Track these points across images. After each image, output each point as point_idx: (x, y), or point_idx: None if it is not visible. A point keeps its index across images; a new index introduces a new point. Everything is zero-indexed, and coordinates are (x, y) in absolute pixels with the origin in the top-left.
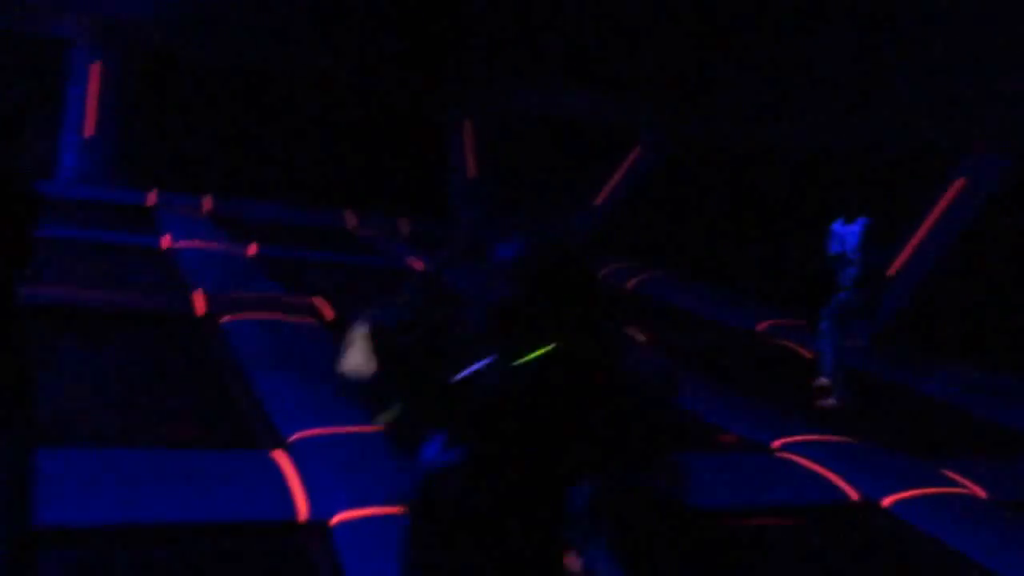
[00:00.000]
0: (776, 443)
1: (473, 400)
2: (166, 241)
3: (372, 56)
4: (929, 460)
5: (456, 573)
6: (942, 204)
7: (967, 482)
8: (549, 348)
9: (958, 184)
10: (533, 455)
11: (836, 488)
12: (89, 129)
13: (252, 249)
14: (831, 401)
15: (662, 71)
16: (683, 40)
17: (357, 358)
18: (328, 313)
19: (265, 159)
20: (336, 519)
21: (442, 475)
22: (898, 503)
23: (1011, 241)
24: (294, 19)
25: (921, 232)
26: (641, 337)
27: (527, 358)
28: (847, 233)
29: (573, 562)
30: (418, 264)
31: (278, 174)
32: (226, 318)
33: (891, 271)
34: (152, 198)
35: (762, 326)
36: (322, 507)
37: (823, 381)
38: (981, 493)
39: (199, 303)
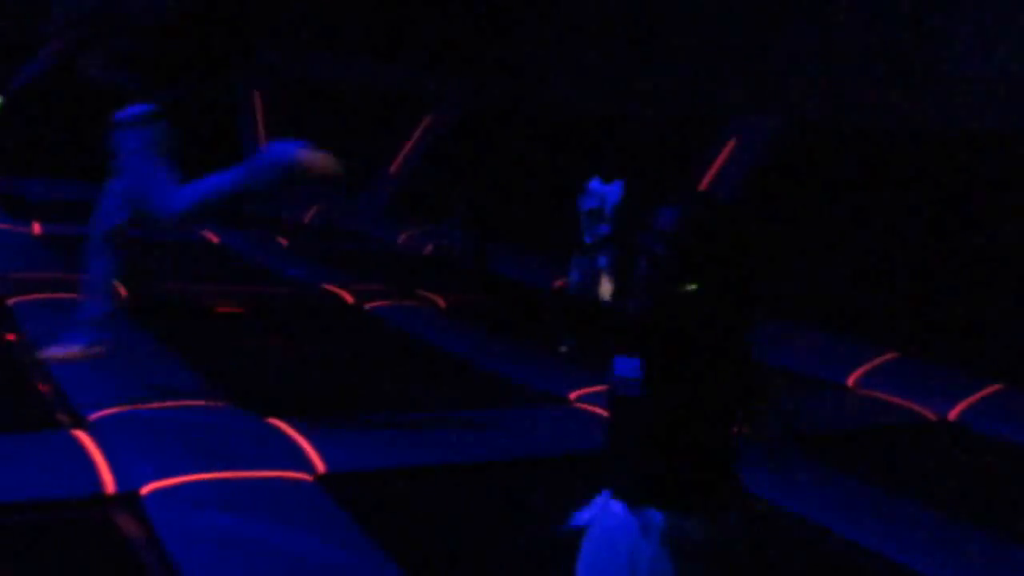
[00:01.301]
0: (574, 394)
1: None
2: None
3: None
4: None
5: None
6: (716, 164)
7: None
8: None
9: (730, 144)
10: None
11: None
12: None
13: (36, 228)
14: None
15: (451, 39)
16: (466, 9)
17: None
18: (118, 291)
19: (45, 137)
20: (145, 490)
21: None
22: None
23: (781, 200)
24: None
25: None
26: (443, 303)
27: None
28: (607, 191)
29: None
30: (213, 237)
31: (59, 151)
32: (14, 300)
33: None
34: None
35: (560, 283)
36: (129, 480)
37: (564, 348)
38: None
39: None
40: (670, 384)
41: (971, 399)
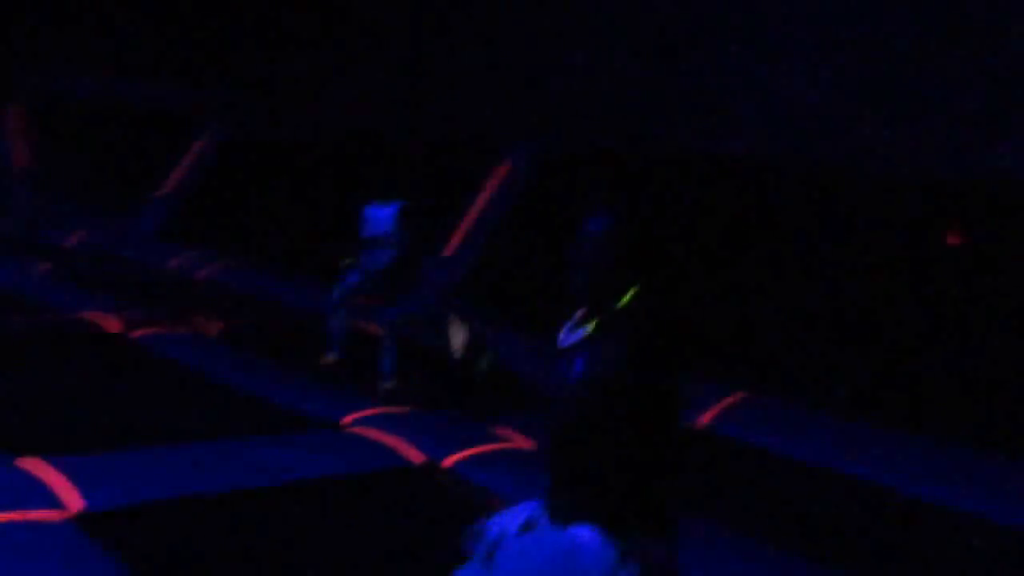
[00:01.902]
0: (347, 419)
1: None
2: None
3: None
4: (481, 420)
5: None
6: (489, 188)
7: (514, 435)
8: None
9: (504, 169)
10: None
11: (402, 456)
12: None
13: None
14: (390, 384)
15: (217, 59)
16: (237, 27)
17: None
18: None
19: None
20: None
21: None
22: (458, 463)
23: (544, 220)
24: None
25: (472, 214)
26: (214, 326)
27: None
28: (382, 217)
29: None
30: None
31: None
32: None
33: (447, 252)
34: None
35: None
36: None
37: (330, 357)
38: (527, 444)
39: None
40: (654, 374)
41: (718, 407)
